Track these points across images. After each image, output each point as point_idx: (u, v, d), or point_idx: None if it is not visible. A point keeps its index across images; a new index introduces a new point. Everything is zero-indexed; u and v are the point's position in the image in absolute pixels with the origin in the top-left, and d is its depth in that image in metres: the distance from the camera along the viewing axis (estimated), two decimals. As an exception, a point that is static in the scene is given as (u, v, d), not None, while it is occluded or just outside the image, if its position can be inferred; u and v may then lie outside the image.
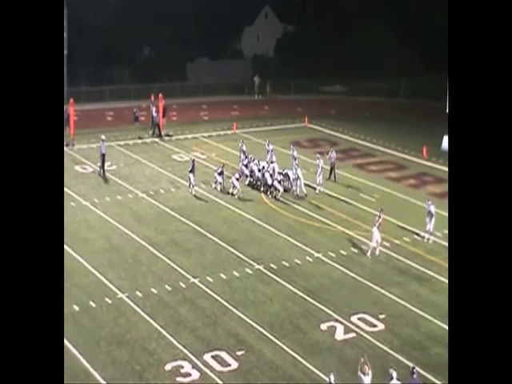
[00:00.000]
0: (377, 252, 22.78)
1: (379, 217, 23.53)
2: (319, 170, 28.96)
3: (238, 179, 28.39)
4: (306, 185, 28.74)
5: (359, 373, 15.16)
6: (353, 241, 24.26)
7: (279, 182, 28.32)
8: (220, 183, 28.70)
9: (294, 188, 28.64)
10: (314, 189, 28.86)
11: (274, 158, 30.89)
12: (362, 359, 15.41)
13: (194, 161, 29.07)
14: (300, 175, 28.55)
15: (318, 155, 29.49)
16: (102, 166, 30.77)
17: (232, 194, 28.12)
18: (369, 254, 22.81)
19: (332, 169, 30.75)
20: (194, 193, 27.90)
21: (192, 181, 28.46)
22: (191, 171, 28.53)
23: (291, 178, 28.82)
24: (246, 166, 29.99)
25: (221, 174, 28.81)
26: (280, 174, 28.82)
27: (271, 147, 31.51)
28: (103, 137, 31.77)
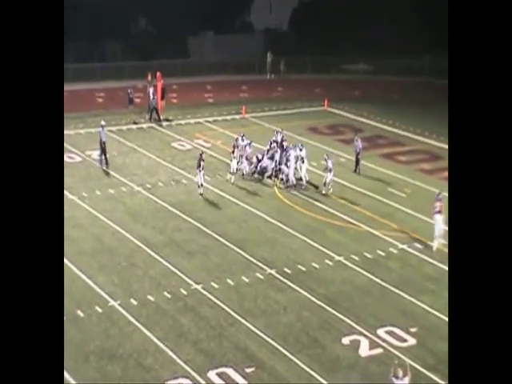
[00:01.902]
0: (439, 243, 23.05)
1: (439, 200, 23.41)
2: (329, 170, 28.02)
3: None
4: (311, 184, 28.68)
5: (391, 377, 15.11)
6: (379, 242, 24.19)
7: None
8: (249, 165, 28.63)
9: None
10: (317, 187, 28.43)
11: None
12: (396, 361, 15.39)
13: (202, 154, 27.94)
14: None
15: (325, 156, 28.68)
16: (104, 156, 30.89)
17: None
18: (434, 247, 23.05)
19: (358, 160, 30.63)
20: (202, 192, 27.53)
21: (201, 179, 27.59)
22: (199, 167, 27.40)
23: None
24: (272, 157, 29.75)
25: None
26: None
27: (280, 136, 30.93)
28: (103, 122, 31.85)
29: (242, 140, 30.10)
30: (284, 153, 29.46)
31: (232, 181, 28.95)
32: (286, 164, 29.01)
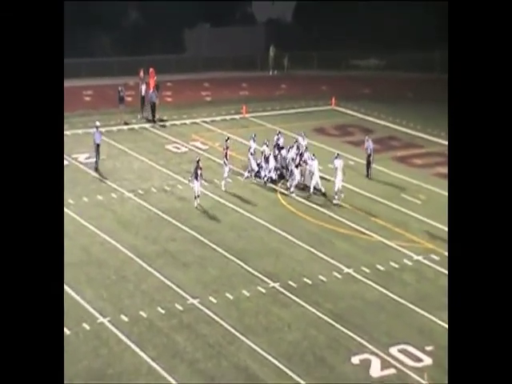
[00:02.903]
0: None
1: None
2: (338, 173, 28.10)
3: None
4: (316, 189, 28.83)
5: None
6: (392, 253, 24.24)
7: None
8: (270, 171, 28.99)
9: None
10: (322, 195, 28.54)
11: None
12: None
13: (199, 162, 27.24)
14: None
15: (336, 155, 28.86)
16: (97, 160, 31.13)
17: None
18: None
19: (369, 163, 30.72)
20: (198, 204, 27.25)
21: (197, 191, 27.17)
22: (196, 176, 26.92)
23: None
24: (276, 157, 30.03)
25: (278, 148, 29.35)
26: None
27: (281, 140, 31.23)
28: (98, 123, 32.06)
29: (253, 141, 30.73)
30: (292, 158, 29.58)
31: (223, 188, 28.95)
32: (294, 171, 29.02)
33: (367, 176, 30.67)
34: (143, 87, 38.45)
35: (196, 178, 27.06)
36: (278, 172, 30.13)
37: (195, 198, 27.23)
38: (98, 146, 31.23)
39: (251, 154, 30.27)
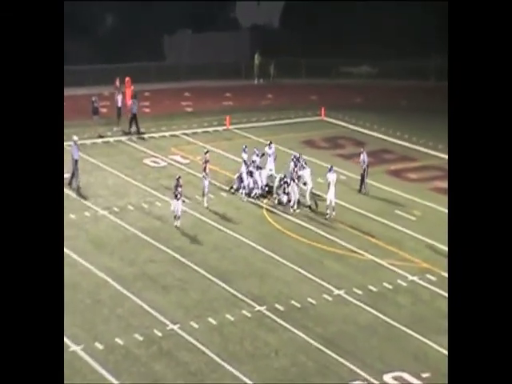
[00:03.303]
0: None
1: None
2: (331, 187, 28.28)
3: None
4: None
5: None
6: (386, 273, 24.35)
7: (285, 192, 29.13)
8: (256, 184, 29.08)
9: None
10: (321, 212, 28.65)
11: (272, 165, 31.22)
12: None
13: (179, 179, 27.30)
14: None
15: (329, 168, 28.95)
16: (74, 176, 30.77)
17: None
18: None
19: (363, 177, 30.84)
20: (178, 225, 27.22)
21: (178, 211, 27.08)
22: (176, 195, 26.89)
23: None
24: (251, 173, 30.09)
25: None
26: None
27: (272, 149, 31.54)
28: (75, 137, 31.74)
29: (270, 148, 31.20)
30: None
31: (205, 205, 29.03)
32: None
33: (360, 191, 30.81)
34: (119, 97, 38.52)
35: (176, 197, 26.99)
36: (267, 188, 30.19)
37: (175, 218, 27.16)
38: (76, 161, 30.87)
39: (249, 167, 30.19)
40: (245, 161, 30.49)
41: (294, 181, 28.82)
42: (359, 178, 31.11)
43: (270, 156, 31.45)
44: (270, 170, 30.86)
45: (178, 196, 26.99)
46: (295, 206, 28.76)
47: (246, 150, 31.01)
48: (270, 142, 32.01)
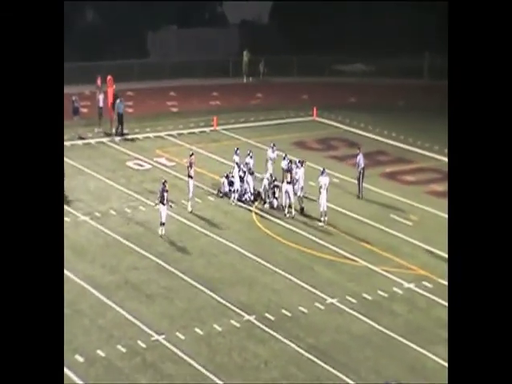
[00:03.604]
0: None
1: None
2: (323, 192, 28.25)
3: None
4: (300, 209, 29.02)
5: None
6: (381, 280, 24.43)
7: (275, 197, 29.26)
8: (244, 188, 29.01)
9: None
10: (319, 221, 28.65)
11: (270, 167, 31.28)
12: None
13: (165, 183, 27.05)
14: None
15: (321, 171, 28.92)
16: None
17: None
18: None
19: (360, 180, 30.89)
20: (163, 233, 27.06)
21: (163, 217, 26.83)
22: (162, 201, 26.75)
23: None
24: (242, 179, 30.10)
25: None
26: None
27: (275, 154, 31.74)
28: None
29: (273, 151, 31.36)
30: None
31: (189, 209, 29.10)
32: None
33: (359, 197, 30.72)
34: (101, 97, 38.55)
35: (162, 202, 26.93)
36: (256, 192, 30.30)
37: (160, 224, 27.10)
38: None
39: (244, 171, 30.22)
40: (237, 163, 30.54)
41: (288, 183, 28.77)
42: (355, 181, 31.15)
43: (271, 160, 31.42)
44: (271, 174, 30.54)
45: (164, 202, 26.87)
46: (287, 210, 28.78)
47: (238, 152, 31.03)
48: (274, 145, 32.06)
